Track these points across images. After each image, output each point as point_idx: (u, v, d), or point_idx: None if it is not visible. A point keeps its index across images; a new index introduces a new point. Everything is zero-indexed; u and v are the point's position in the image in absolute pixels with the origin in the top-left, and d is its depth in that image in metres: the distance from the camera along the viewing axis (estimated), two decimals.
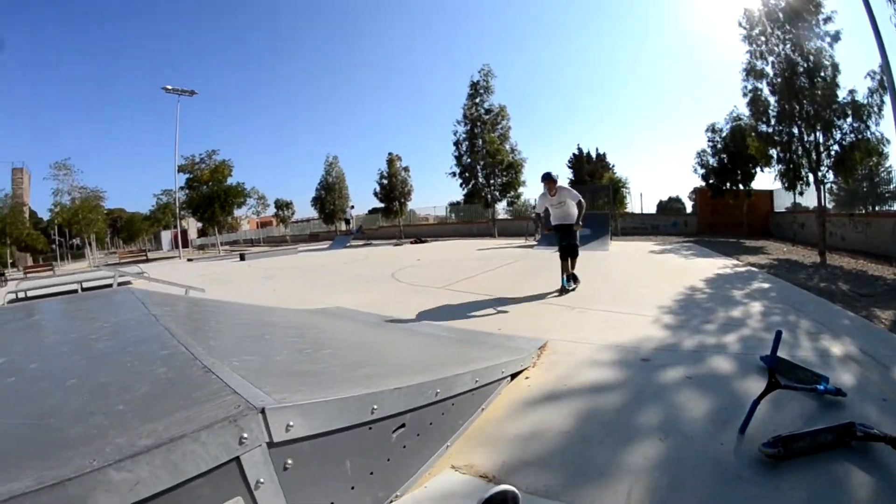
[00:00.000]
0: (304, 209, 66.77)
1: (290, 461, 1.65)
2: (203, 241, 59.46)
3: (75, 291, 13.41)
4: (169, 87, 38.18)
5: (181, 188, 38.97)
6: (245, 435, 1.49)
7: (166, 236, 62.45)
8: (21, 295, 14.09)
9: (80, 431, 1.60)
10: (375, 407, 2.03)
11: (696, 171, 24.17)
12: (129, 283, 12.58)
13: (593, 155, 48.10)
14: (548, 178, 7.54)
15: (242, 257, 22.86)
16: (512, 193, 30.24)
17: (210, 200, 37.74)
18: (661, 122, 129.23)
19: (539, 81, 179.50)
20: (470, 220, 38.73)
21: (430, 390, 2.44)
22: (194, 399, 1.75)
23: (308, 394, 1.87)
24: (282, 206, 64.77)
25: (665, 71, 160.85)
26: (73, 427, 1.67)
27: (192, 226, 58.32)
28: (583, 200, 7.52)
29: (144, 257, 33.84)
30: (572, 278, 7.72)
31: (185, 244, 46.24)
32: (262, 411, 1.57)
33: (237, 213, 46.92)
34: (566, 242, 7.67)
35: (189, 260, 30.06)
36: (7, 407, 2.01)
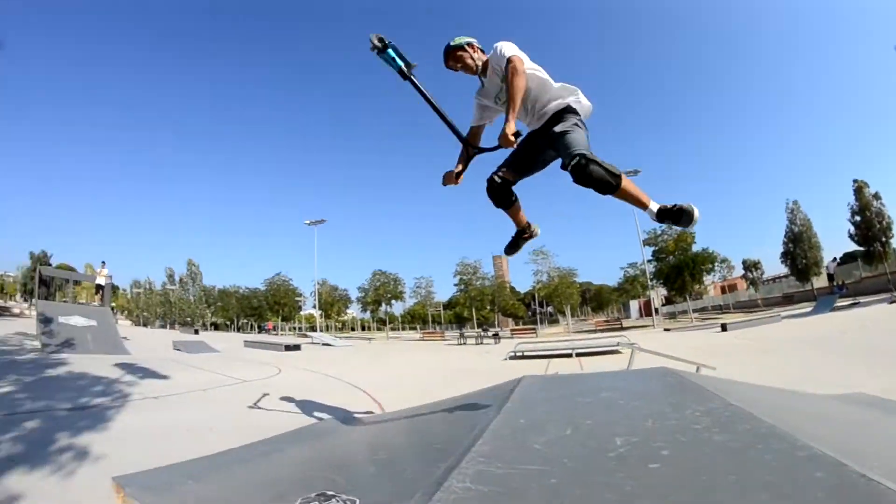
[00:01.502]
0: (773, 267, 60.76)
1: None
2: (669, 308, 60.36)
3: (569, 356, 15.00)
4: None
5: (649, 260, 41.48)
6: None
7: (634, 306, 65.78)
8: (518, 354, 16.59)
9: None
10: None
11: None
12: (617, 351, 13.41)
13: None
14: (454, 51, 3.62)
15: (724, 328, 21.50)
16: None
17: (679, 270, 39.16)
18: None
19: None
20: None
21: None
22: None
23: None
24: (750, 266, 60.84)
25: None
26: None
27: (658, 294, 60.14)
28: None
29: (619, 325, 35.78)
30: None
31: (650, 312, 47.85)
32: None
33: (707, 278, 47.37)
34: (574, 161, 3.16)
35: (666, 330, 30.13)
36: None
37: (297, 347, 24.80)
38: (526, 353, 16.58)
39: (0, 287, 74.77)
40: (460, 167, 3.76)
